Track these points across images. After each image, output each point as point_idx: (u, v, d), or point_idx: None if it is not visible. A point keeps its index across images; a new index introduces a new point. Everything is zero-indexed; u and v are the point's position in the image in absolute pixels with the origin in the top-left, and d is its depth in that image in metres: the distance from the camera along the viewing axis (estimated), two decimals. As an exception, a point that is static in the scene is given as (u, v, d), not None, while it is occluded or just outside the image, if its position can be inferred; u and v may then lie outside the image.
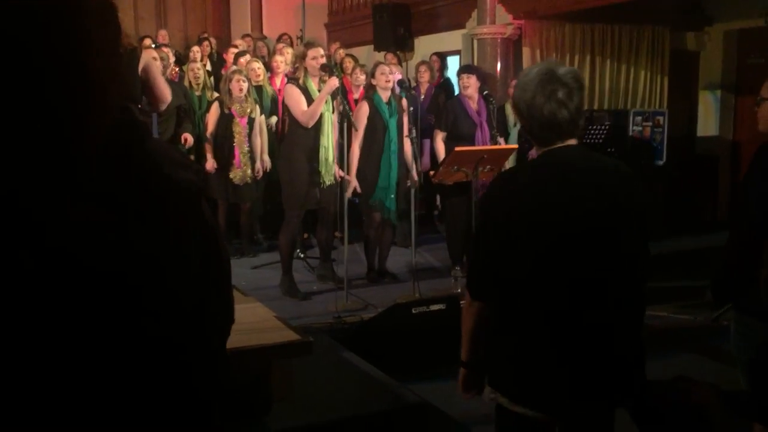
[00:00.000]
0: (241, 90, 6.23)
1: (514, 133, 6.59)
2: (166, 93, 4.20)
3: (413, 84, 7.60)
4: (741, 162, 8.34)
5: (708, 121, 8.83)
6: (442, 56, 8.83)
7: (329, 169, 5.47)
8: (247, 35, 9.71)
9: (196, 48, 8.30)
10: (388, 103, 5.73)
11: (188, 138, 6.24)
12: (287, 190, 5.54)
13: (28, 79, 0.81)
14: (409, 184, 5.65)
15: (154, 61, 4.67)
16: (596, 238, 1.92)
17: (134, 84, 3.95)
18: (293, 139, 5.49)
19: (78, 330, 0.83)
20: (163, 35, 9.44)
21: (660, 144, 7.75)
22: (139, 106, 4.10)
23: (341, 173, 5.56)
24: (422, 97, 7.37)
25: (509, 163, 5.81)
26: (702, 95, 8.87)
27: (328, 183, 5.49)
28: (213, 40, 9.22)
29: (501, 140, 5.76)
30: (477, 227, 2.09)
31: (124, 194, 0.91)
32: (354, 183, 5.65)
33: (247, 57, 7.57)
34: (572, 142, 1.99)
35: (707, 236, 7.46)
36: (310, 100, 5.35)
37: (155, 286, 0.93)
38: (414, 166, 5.61)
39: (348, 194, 5.58)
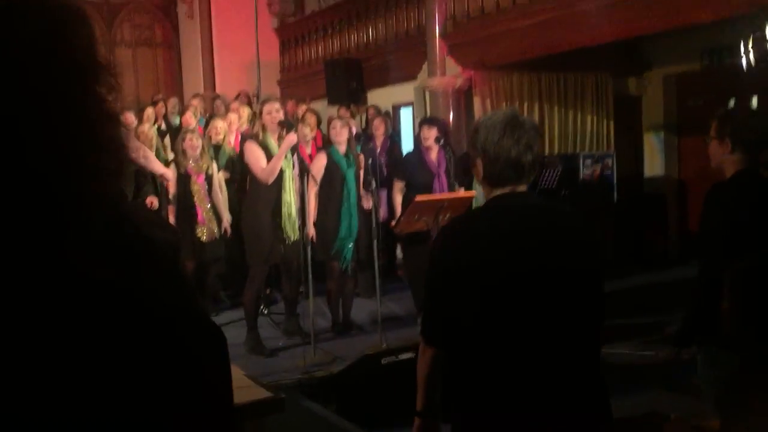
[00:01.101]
0: (194, 148, 6.23)
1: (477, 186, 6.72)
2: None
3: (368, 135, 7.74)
4: (688, 199, 8.64)
5: (654, 161, 9.15)
6: (394, 108, 9.01)
7: (293, 224, 5.50)
8: (198, 94, 9.75)
9: (150, 110, 8.29)
10: (346, 155, 5.82)
11: (153, 201, 6.25)
12: (251, 246, 5.53)
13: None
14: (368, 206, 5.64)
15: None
16: (549, 279, 1.96)
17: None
18: (256, 195, 5.51)
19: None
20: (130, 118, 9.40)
21: (610, 185, 7.99)
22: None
23: (312, 233, 5.60)
24: (378, 149, 7.49)
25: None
26: (646, 136, 9.21)
27: (293, 238, 5.50)
28: (171, 101, 9.20)
29: (460, 189, 5.88)
30: (428, 272, 2.10)
31: (112, 256, 0.91)
32: (312, 232, 5.67)
33: (188, 115, 7.67)
34: (523, 188, 2.05)
35: (661, 273, 7.68)
36: (269, 156, 5.39)
37: (143, 350, 0.92)
38: (373, 217, 5.67)
39: (309, 236, 5.60)
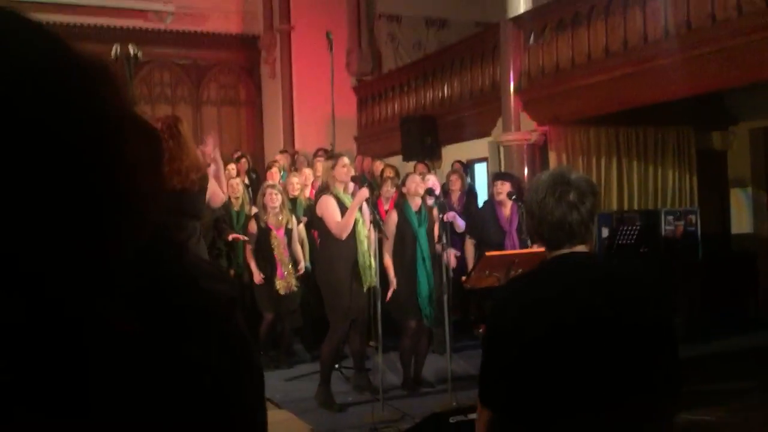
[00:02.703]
0: (274, 202, 6.39)
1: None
2: (218, 191, 4.46)
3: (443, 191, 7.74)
4: (779, 258, 8.22)
5: (741, 218, 8.77)
6: (468, 164, 9.01)
7: (372, 272, 5.52)
8: (284, 150, 10.05)
9: (231, 165, 8.59)
10: (418, 211, 5.82)
11: (236, 236, 6.49)
12: (330, 301, 5.57)
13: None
14: (442, 252, 5.64)
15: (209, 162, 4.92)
16: (610, 338, 1.88)
17: (201, 202, 4.24)
18: (329, 250, 5.57)
19: None
20: (209, 140, 9.77)
21: (694, 241, 7.70)
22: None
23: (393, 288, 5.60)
24: (455, 204, 7.48)
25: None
26: (733, 193, 8.87)
27: (370, 284, 5.53)
28: (249, 157, 9.54)
29: (533, 246, 5.77)
30: (486, 332, 2.06)
31: (160, 306, 0.90)
32: (394, 284, 5.66)
33: (273, 170, 7.86)
34: (581, 247, 1.97)
35: (751, 335, 7.27)
36: (343, 208, 5.46)
37: (192, 399, 0.91)
38: (444, 275, 5.63)
39: (388, 298, 5.60)
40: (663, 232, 7.67)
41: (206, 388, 0.94)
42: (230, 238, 6.50)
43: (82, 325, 0.82)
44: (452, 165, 8.52)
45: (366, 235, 5.57)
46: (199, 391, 0.92)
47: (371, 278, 5.52)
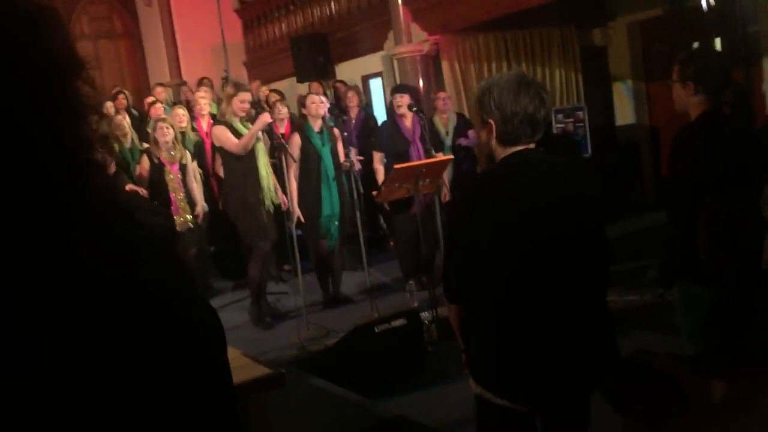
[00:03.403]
0: (165, 137, 6.20)
1: (447, 142, 6.78)
2: None
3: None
4: (660, 145, 8.76)
5: (624, 111, 9.24)
6: (364, 80, 9.00)
7: (271, 196, 5.60)
8: (160, 84, 9.63)
9: (109, 103, 8.18)
10: (320, 132, 5.83)
11: (132, 187, 6.23)
12: (247, 223, 5.60)
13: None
14: (347, 163, 5.76)
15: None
16: (569, 231, 2.07)
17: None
18: (238, 179, 5.55)
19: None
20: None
21: (583, 137, 8.07)
22: None
23: (297, 212, 5.67)
24: (353, 121, 7.50)
25: (446, 174, 5.97)
26: (615, 86, 9.29)
27: (272, 209, 5.62)
28: (128, 93, 9.09)
29: (438, 154, 5.92)
30: (450, 230, 2.18)
31: (114, 246, 0.92)
32: (297, 212, 5.72)
33: (157, 105, 7.58)
34: (532, 145, 2.13)
35: (639, 219, 7.82)
36: (238, 137, 5.43)
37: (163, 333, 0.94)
38: (354, 189, 5.72)
39: (293, 224, 5.66)
40: (554, 130, 8.00)
41: (165, 316, 0.98)
42: (128, 188, 6.22)
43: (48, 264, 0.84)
44: (333, 86, 8.51)
45: (266, 162, 5.58)
46: (160, 318, 0.96)
47: (272, 199, 5.63)
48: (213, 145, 5.95)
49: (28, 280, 0.79)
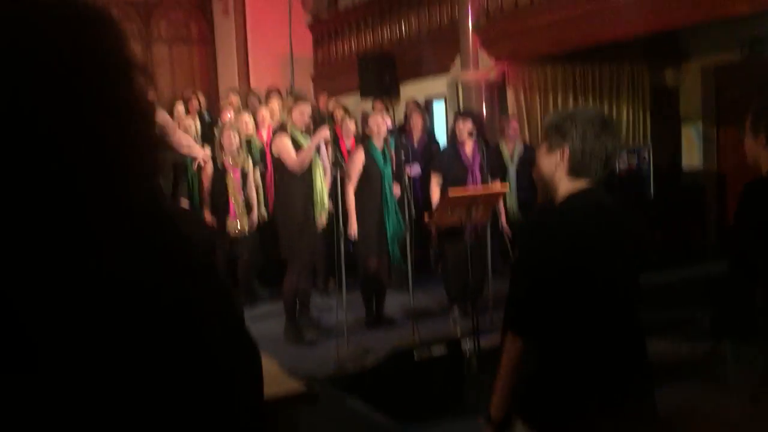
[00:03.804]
0: (232, 143, 6.32)
1: (511, 171, 6.71)
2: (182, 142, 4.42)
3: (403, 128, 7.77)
4: (726, 192, 8.48)
5: (692, 154, 8.99)
6: (427, 102, 8.99)
7: (324, 211, 5.62)
8: (233, 89, 9.84)
9: (180, 106, 8.37)
10: (383, 151, 5.84)
11: (184, 203, 6.37)
12: (287, 239, 5.60)
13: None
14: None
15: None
16: (625, 274, 2.12)
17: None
18: (288, 189, 5.57)
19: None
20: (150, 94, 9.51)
21: (647, 178, 7.88)
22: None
23: (355, 230, 5.71)
24: (415, 144, 7.49)
25: (511, 206, 5.92)
26: (684, 129, 9.05)
27: (324, 223, 5.62)
28: (201, 98, 9.31)
29: (495, 182, 5.86)
30: (517, 263, 2.17)
31: (146, 256, 0.90)
32: (354, 228, 5.71)
33: (228, 111, 7.71)
34: (594, 183, 2.14)
35: (699, 266, 7.55)
36: (297, 147, 5.45)
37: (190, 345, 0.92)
38: (406, 211, 5.70)
39: (351, 236, 5.65)
40: (617, 169, 7.83)
41: (190, 339, 0.95)
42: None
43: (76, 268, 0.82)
44: (406, 105, 8.52)
45: (321, 175, 5.60)
46: (183, 341, 0.93)
47: (323, 216, 5.65)
48: (272, 154, 6.01)
49: (35, 284, 0.77)
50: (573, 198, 2.11)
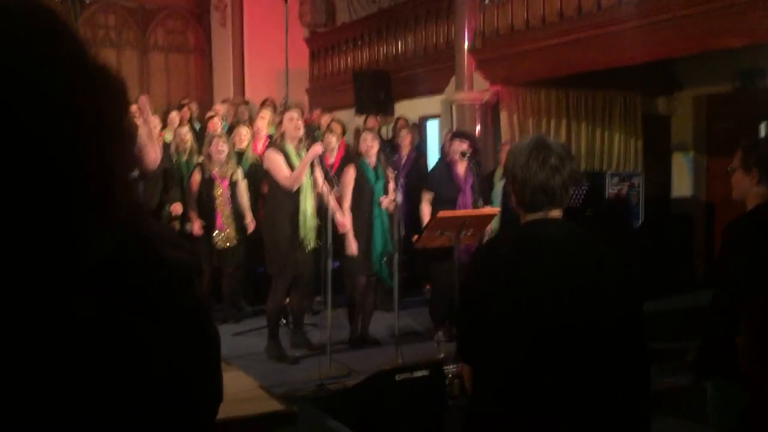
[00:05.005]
0: (220, 152, 6.28)
1: (497, 198, 6.70)
2: (156, 155, 4.31)
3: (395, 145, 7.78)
4: (715, 221, 8.52)
5: (682, 183, 9.03)
6: (421, 120, 9.03)
7: (310, 234, 5.52)
8: (226, 100, 9.83)
9: (174, 113, 8.35)
10: (374, 168, 5.83)
11: (177, 208, 6.30)
12: (271, 255, 5.56)
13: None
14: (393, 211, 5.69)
15: (141, 125, 4.77)
16: (583, 322, 1.91)
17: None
18: (275, 204, 5.55)
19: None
20: (142, 101, 9.49)
21: (636, 205, 7.90)
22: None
23: (354, 247, 5.63)
24: (403, 160, 7.50)
25: (492, 226, 5.88)
26: (675, 157, 9.11)
27: (311, 246, 5.53)
28: (194, 106, 9.30)
29: (485, 206, 5.84)
30: (462, 295, 2.15)
31: (119, 282, 0.88)
32: (353, 244, 5.68)
33: (215, 120, 7.70)
34: (556, 212, 2.01)
35: (686, 296, 7.56)
36: (289, 162, 5.42)
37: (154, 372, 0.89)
38: (396, 230, 5.68)
39: (352, 252, 5.63)
40: (606, 194, 7.86)
41: (157, 365, 0.93)
42: (171, 211, 6.28)
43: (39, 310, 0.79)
44: (396, 121, 8.56)
45: (310, 197, 5.51)
46: (150, 369, 0.90)
47: (312, 240, 5.52)
48: (264, 169, 5.97)
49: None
50: (516, 230, 2.12)
